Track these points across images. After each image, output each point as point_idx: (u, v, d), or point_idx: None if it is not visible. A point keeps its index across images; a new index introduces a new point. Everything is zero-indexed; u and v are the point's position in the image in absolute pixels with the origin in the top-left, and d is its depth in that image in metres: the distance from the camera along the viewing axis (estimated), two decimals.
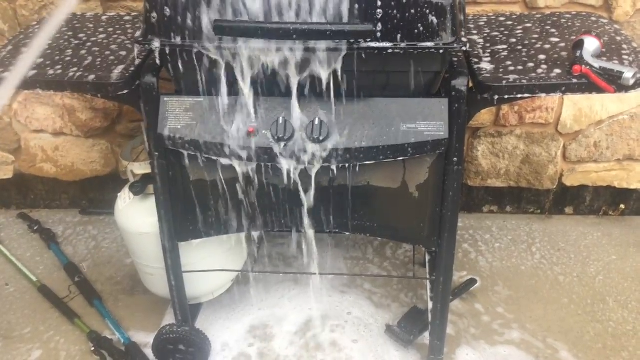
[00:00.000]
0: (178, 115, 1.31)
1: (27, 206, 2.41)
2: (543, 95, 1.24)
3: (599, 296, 1.91)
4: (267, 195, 1.39)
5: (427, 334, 1.71)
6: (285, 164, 1.30)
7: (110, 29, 1.56)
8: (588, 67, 1.19)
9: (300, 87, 1.24)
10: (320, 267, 2.02)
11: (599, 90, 1.19)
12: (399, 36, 1.14)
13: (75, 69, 1.34)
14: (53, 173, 2.31)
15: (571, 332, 1.79)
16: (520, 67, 1.27)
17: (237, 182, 1.37)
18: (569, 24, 1.49)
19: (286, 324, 1.83)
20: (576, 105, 2.04)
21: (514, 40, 1.42)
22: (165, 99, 1.32)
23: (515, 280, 1.98)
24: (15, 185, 2.37)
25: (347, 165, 1.30)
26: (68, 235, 2.26)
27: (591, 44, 1.23)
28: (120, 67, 1.33)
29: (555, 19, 1.53)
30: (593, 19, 1.53)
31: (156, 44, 1.19)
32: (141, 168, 1.58)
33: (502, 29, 1.49)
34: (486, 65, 1.29)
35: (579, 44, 1.23)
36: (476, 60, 1.32)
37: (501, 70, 1.27)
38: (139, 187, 1.58)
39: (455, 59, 1.30)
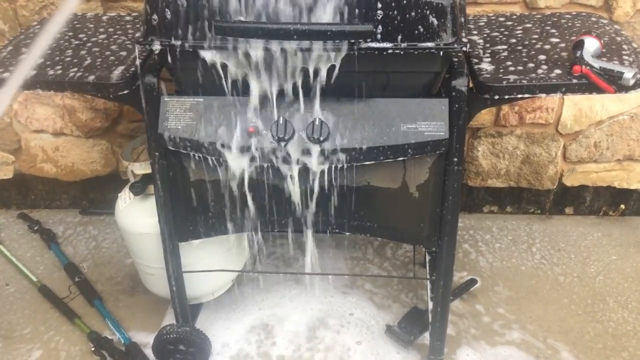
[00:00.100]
0: (178, 116, 1.31)
1: (27, 206, 2.41)
2: (543, 95, 1.24)
3: (599, 296, 1.91)
4: (267, 195, 1.39)
5: (427, 334, 1.71)
6: (285, 164, 1.30)
7: (111, 29, 1.56)
8: (588, 67, 1.19)
9: (301, 87, 1.24)
10: (321, 268, 2.02)
11: (599, 90, 1.19)
12: (399, 37, 1.14)
13: (76, 69, 1.34)
14: (53, 173, 2.31)
15: (571, 333, 1.79)
16: (520, 68, 1.27)
17: (237, 183, 1.37)
18: (569, 24, 1.49)
19: (287, 323, 1.82)
20: (576, 106, 2.04)
21: (514, 40, 1.42)
22: (165, 99, 1.32)
23: (515, 280, 1.98)
24: (16, 186, 2.37)
25: (347, 165, 1.30)
26: (68, 235, 2.26)
27: (591, 44, 1.23)
28: (121, 68, 1.33)
29: (555, 19, 1.53)
30: (593, 19, 1.53)
31: (157, 45, 1.20)
32: (141, 168, 1.58)
33: (502, 30, 1.49)
34: (486, 66, 1.29)
35: (579, 44, 1.24)
36: (476, 60, 1.32)
37: (501, 70, 1.27)
38: (139, 187, 1.58)
39: (456, 60, 1.29)
